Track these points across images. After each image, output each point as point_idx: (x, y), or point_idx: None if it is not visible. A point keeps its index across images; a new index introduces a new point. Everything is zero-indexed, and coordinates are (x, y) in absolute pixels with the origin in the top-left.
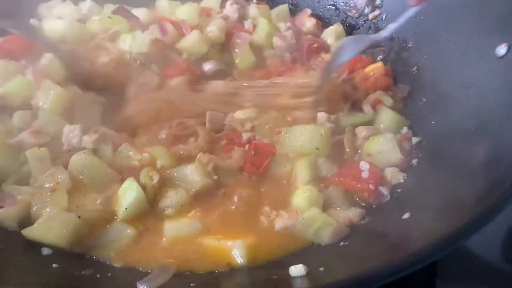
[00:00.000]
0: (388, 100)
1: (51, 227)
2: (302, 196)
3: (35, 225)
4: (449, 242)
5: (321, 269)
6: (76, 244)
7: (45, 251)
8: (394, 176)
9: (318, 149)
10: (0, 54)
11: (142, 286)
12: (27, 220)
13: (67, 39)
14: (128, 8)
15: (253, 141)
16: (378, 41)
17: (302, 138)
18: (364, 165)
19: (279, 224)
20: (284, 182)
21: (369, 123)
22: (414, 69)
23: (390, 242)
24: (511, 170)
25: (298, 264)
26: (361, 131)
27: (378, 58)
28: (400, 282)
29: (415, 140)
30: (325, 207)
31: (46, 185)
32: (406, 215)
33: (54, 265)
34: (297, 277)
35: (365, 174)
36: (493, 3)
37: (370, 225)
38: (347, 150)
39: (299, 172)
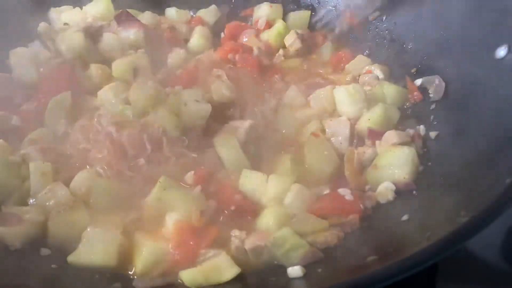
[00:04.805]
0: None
1: (97, 249)
2: (271, 215)
3: (80, 249)
4: (448, 245)
5: (319, 270)
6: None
7: (44, 251)
8: (384, 194)
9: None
10: None
11: (138, 284)
12: (40, 240)
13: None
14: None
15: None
16: None
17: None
18: (343, 191)
19: (248, 245)
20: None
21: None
22: (413, 71)
23: (390, 244)
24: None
25: (295, 265)
26: (392, 137)
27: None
28: (400, 284)
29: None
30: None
31: (61, 201)
32: (405, 217)
33: (53, 266)
34: (295, 278)
35: (349, 197)
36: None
37: (369, 227)
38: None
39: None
